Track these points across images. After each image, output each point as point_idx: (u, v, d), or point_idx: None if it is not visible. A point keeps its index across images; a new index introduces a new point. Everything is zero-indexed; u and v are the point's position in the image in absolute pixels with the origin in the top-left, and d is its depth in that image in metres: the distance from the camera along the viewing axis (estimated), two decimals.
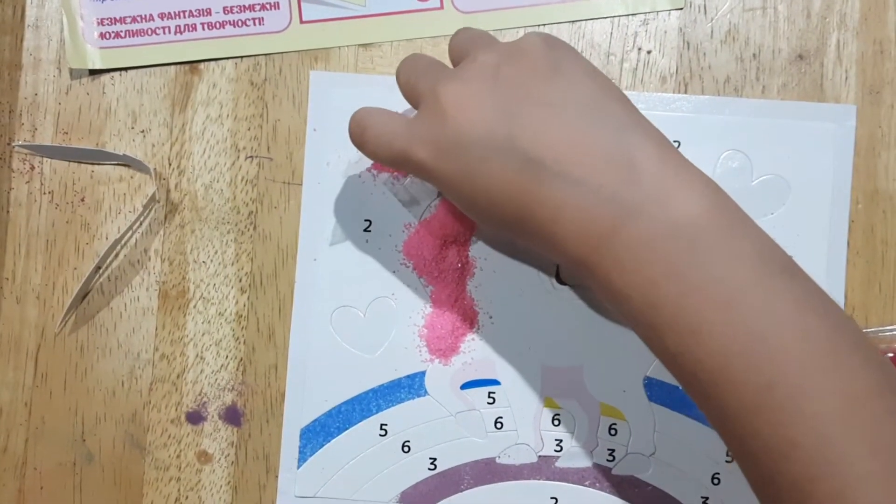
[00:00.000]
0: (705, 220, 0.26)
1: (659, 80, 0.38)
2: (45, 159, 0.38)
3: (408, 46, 0.38)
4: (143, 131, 0.38)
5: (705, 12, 0.38)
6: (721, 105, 0.38)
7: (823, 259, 0.37)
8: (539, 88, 0.29)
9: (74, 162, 0.38)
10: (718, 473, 0.36)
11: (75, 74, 0.38)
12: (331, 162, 0.38)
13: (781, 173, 0.37)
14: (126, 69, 0.38)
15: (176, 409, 0.38)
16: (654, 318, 0.26)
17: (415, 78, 0.32)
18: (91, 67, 0.38)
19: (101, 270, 0.38)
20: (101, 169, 0.38)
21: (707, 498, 0.36)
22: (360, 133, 0.32)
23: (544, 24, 0.38)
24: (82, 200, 0.38)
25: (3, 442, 0.38)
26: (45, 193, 0.38)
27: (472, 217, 0.31)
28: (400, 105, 0.36)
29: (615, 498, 0.37)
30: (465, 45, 0.32)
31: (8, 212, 0.38)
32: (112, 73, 0.38)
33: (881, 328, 0.36)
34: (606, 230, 0.27)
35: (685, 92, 0.38)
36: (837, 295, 0.37)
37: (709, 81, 0.38)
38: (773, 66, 0.38)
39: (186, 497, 0.38)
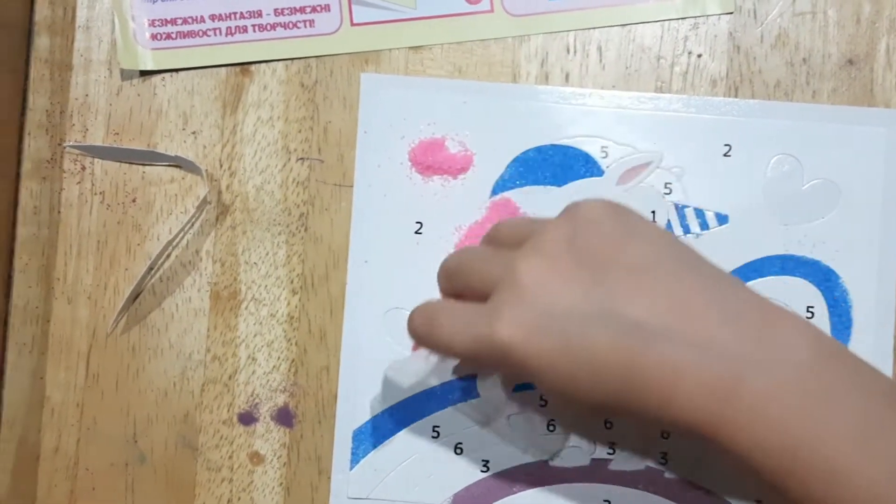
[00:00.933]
0: (823, 362, 0.26)
1: (709, 84, 0.38)
2: (96, 160, 0.39)
3: (457, 49, 0.39)
4: (194, 133, 0.39)
5: (755, 17, 0.38)
6: (772, 109, 0.38)
7: (875, 263, 0.37)
8: (621, 253, 0.28)
9: (125, 163, 0.39)
10: None
11: (126, 75, 0.39)
12: (381, 164, 0.38)
13: (832, 178, 0.38)
14: (177, 70, 0.39)
15: (228, 411, 0.38)
16: (794, 468, 0.26)
17: (480, 265, 0.31)
18: (143, 68, 0.38)
19: (153, 271, 0.38)
20: (153, 170, 0.39)
21: (760, 501, 0.37)
22: (429, 325, 0.31)
23: (595, 28, 0.38)
24: (133, 201, 0.39)
25: (54, 442, 0.38)
26: (96, 194, 0.39)
27: (570, 396, 0.29)
28: (447, 110, 0.37)
29: (668, 501, 0.37)
30: (521, 229, 0.32)
31: (59, 212, 0.39)
32: (163, 75, 0.39)
33: None
34: (729, 387, 0.26)
35: (735, 96, 0.38)
36: (889, 299, 0.37)
37: (759, 86, 0.38)
38: (823, 71, 0.38)
39: (238, 498, 0.38)
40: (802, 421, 0.25)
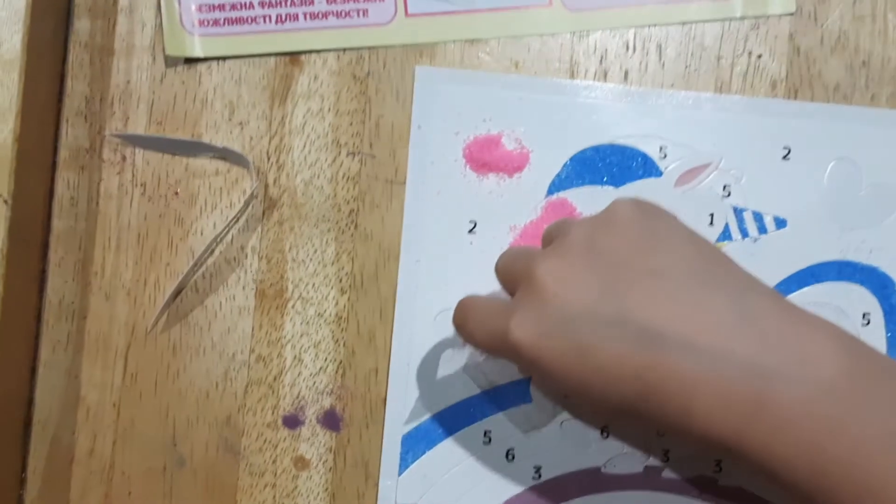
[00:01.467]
0: (852, 372, 0.25)
1: (769, 86, 0.38)
2: (137, 150, 0.37)
3: (515, 44, 0.38)
4: (240, 123, 0.37)
5: (815, 19, 0.38)
6: (831, 112, 0.38)
7: None
8: (641, 257, 0.28)
9: (168, 153, 0.37)
10: None
11: (170, 62, 0.37)
12: (435, 161, 0.37)
13: (890, 182, 0.37)
14: (224, 58, 0.37)
15: (272, 413, 0.37)
16: (823, 482, 0.25)
17: (511, 263, 0.32)
18: (190, 55, 0.37)
19: (196, 267, 0.37)
20: (196, 161, 0.37)
21: None
22: (463, 318, 0.32)
23: (654, 25, 0.38)
24: (176, 194, 0.37)
25: (89, 444, 0.37)
26: (136, 186, 0.37)
27: (582, 401, 0.30)
28: (503, 106, 0.36)
29: None
30: (554, 229, 0.32)
31: (98, 204, 0.37)
32: (209, 62, 0.37)
33: None
34: (752, 399, 0.25)
35: (795, 98, 0.38)
36: None
37: (818, 88, 0.38)
38: (882, 75, 0.38)
39: None
40: (832, 436, 0.25)
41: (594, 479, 0.37)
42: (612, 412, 0.28)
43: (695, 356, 0.25)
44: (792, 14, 0.38)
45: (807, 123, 0.38)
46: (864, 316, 0.37)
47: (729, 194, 0.37)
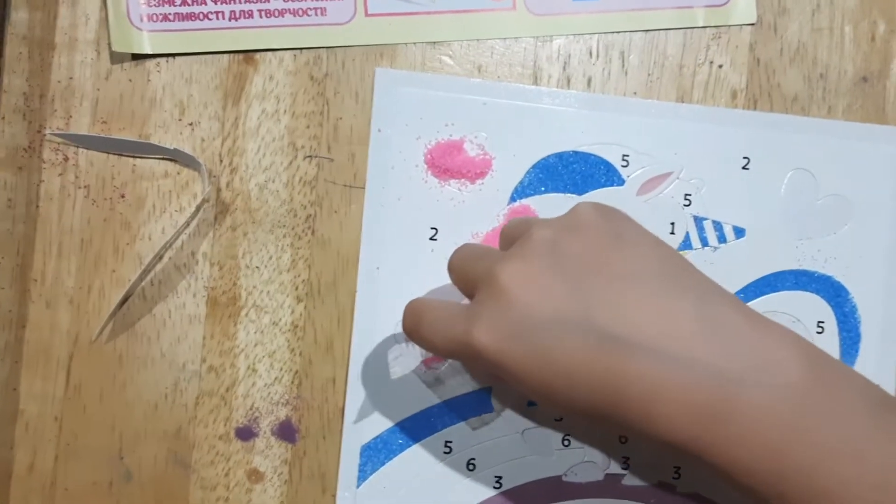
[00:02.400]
0: (813, 378, 0.26)
1: (730, 95, 0.38)
2: (80, 150, 0.36)
3: (478, 47, 0.37)
4: (191, 124, 0.36)
5: (775, 30, 0.38)
6: (790, 123, 0.38)
7: (881, 280, 0.38)
8: (605, 261, 0.28)
9: (114, 154, 0.36)
10: None
11: (116, 58, 0.36)
12: (395, 165, 0.37)
13: (845, 193, 0.38)
14: (174, 55, 0.36)
15: (225, 425, 0.36)
16: (781, 487, 0.25)
17: (469, 264, 0.31)
18: (137, 52, 0.35)
19: (145, 274, 0.35)
20: (145, 163, 0.36)
21: None
22: (416, 322, 0.31)
23: (617, 32, 0.38)
24: (122, 197, 0.36)
25: (28, 459, 0.35)
26: (80, 188, 0.36)
27: (548, 405, 0.29)
28: (466, 111, 0.35)
29: None
30: (515, 230, 0.31)
31: (38, 206, 0.35)
32: (158, 59, 0.36)
33: None
34: (714, 406, 0.25)
35: (754, 108, 0.38)
36: (893, 314, 0.38)
37: (777, 99, 0.38)
38: (838, 88, 0.39)
39: None
40: (791, 443, 0.25)
41: (555, 488, 0.37)
42: (577, 413, 0.28)
43: (658, 361, 0.26)
44: (753, 25, 0.38)
45: (766, 134, 0.38)
46: (818, 324, 0.38)
47: (690, 203, 0.38)
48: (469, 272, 0.31)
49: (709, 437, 0.26)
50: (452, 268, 0.32)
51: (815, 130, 0.38)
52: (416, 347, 0.36)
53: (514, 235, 0.31)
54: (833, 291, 0.38)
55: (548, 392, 0.27)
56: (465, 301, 0.32)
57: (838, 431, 0.25)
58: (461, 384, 0.37)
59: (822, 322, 0.38)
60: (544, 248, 0.28)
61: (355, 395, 0.36)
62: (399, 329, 0.36)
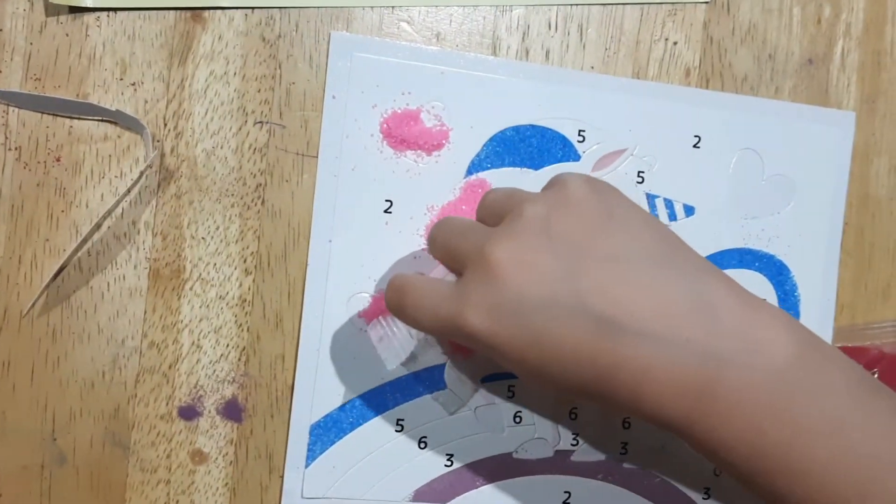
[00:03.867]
0: (799, 360, 0.30)
1: (683, 73, 0.44)
2: (10, 109, 0.37)
3: (436, 13, 0.41)
4: (133, 84, 0.38)
5: (728, 9, 0.44)
6: (739, 103, 0.44)
7: (820, 259, 0.45)
8: (599, 241, 0.31)
9: (48, 114, 0.38)
10: None
11: (52, 10, 0.38)
12: (350, 134, 0.40)
13: (789, 173, 0.44)
14: (116, 10, 0.38)
15: (167, 404, 0.39)
16: (762, 464, 0.30)
17: (456, 240, 0.34)
18: (76, 4, 0.37)
19: (82, 244, 0.38)
20: (82, 125, 0.38)
21: (709, 488, 0.44)
22: (399, 300, 0.34)
23: (576, 4, 0.42)
24: (57, 160, 0.38)
25: None
26: (10, 150, 0.37)
27: (539, 385, 0.32)
28: (424, 80, 0.39)
29: (625, 490, 0.43)
30: (501, 203, 0.34)
31: None
32: (98, 14, 0.38)
33: (867, 325, 0.45)
34: (702, 386, 0.29)
35: (707, 86, 0.44)
36: (830, 293, 0.45)
37: (728, 78, 0.44)
38: (786, 69, 0.45)
39: (177, 501, 0.39)
40: (773, 422, 0.29)
41: (506, 465, 0.42)
42: (569, 394, 0.32)
43: (649, 342, 0.29)
44: (707, 3, 0.44)
45: (716, 113, 0.44)
46: None
47: (643, 181, 0.43)
48: (455, 249, 0.34)
49: (695, 416, 0.30)
50: (435, 243, 0.35)
51: (762, 111, 0.44)
52: (405, 328, 0.39)
53: (499, 209, 0.34)
54: (775, 270, 0.44)
55: (540, 373, 0.31)
56: (430, 273, 0.36)
57: (819, 411, 0.29)
58: (434, 357, 0.41)
59: (765, 300, 0.44)
60: (537, 227, 0.31)
61: (305, 372, 0.40)
62: (352, 306, 0.40)
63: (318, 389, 0.40)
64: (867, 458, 0.29)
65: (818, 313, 0.45)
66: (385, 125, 0.40)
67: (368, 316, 0.40)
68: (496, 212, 0.34)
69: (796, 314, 0.44)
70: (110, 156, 0.38)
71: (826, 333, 0.45)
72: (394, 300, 0.34)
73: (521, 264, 0.30)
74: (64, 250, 0.38)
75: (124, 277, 0.39)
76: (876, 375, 0.44)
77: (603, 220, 0.32)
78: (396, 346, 0.38)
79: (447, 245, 0.34)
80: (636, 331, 0.30)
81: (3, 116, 0.37)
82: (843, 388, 0.30)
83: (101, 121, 0.38)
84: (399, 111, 0.41)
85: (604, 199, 0.33)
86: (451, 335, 0.33)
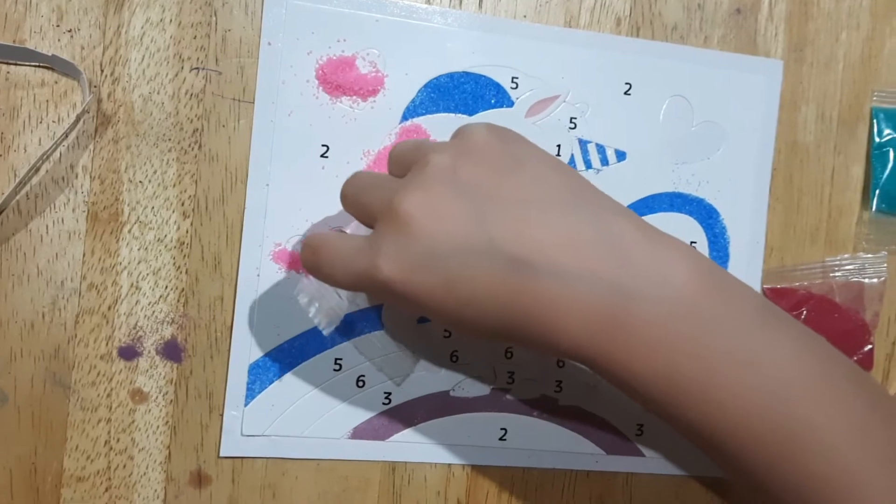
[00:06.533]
0: (702, 290, 0.31)
1: (614, 22, 0.46)
2: None
3: None
4: (70, 31, 0.40)
5: None
6: (669, 52, 0.46)
7: (749, 204, 0.47)
8: (506, 185, 0.32)
9: None
10: None
11: None
12: (286, 80, 0.42)
13: (718, 120, 0.47)
14: None
15: (107, 344, 0.40)
16: (673, 396, 0.31)
17: (365, 194, 0.35)
18: None
19: (19, 187, 0.39)
20: (19, 70, 0.39)
21: (642, 425, 0.46)
22: (314, 256, 0.35)
23: None
24: None
25: None
26: None
27: (457, 329, 0.34)
28: (359, 27, 0.41)
29: (560, 427, 0.45)
30: (408, 155, 0.35)
31: None
32: None
33: (795, 266, 0.47)
34: (612, 320, 0.31)
35: (637, 35, 0.46)
36: (759, 236, 0.47)
37: (658, 27, 0.46)
38: (714, 18, 0.47)
39: (117, 439, 0.41)
40: (685, 354, 0.31)
41: (443, 403, 0.44)
42: (486, 336, 0.33)
43: (560, 281, 0.31)
44: None
45: (646, 61, 0.46)
46: (691, 243, 0.46)
47: (575, 126, 0.45)
48: (366, 203, 0.35)
49: (608, 350, 0.31)
50: (346, 198, 0.36)
51: (691, 59, 0.46)
52: (332, 290, 0.41)
53: (406, 161, 0.35)
54: (705, 213, 0.46)
55: (457, 318, 0.33)
56: (346, 230, 0.38)
57: (726, 341, 0.31)
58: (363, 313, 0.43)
59: (695, 242, 0.46)
60: (444, 176, 0.32)
61: (243, 313, 0.42)
62: (290, 247, 0.42)
63: (257, 330, 0.42)
64: (776, 386, 0.31)
65: (747, 255, 0.47)
66: (321, 71, 0.42)
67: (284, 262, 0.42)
68: (403, 163, 0.35)
69: (726, 256, 0.47)
70: (47, 101, 0.40)
71: (755, 275, 0.47)
72: (309, 259, 0.36)
73: (430, 213, 0.32)
74: (2, 193, 0.39)
75: (63, 220, 0.40)
76: (804, 314, 0.47)
77: (509, 165, 0.33)
78: (327, 308, 0.40)
79: (358, 200, 0.35)
80: (547, 269, 0.31)
81: None
82: (747, 318, 0.32)
83: (38, 66, 0.40)
84: (334, 58, 0.42)
85: (508, 145, 0.34)
86: (368, 289, 0.34)
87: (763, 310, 0.33)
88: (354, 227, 0.38)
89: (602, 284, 0.31)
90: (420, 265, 0.32)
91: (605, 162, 0.45)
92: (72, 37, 0.40)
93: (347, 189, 0.37)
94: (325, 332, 0.42)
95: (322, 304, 0.41)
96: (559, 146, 0.45)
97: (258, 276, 0.42)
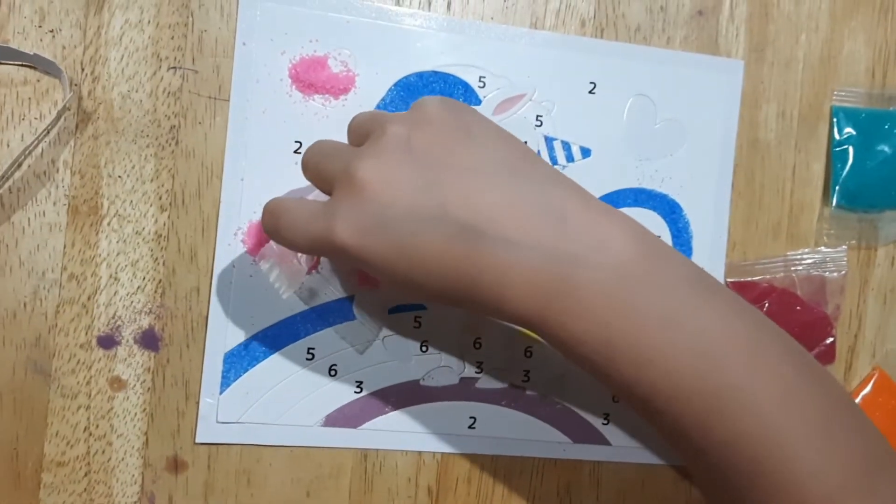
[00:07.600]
0: (640, 257, 0.33)
1: (579, 24, 0.48)
2: None
3: None
4: (52, 31, 0.42)
5: None
6: (632, 52, 0.48)
7: (711, 199, 0.49)
8: (457, 154, 0.34)
9: None
10: None
11: None
12: (260, 79, 0.44)
13: (680, 118, 0.49)
14: None
15: (86, 333, 0.42)
16: (609, 356, 0.33)
17: (324, 162, 0.37)
18: None
19: (2, 181, 0.41)
20: (2, 69, 0.41)
21: (608, 414, 0.48)
22: (274, 222, 0.37)
23: None
24: None
25: None
26: None
27: (409, 293, 0.36)
28: (330, 28, 0.43)
29: (528, 416, 0.47)
30: (365, 126, 0.37)
31: None
32: None
33: (758, 261, 0.49)
34: (554, 285, 0.33)
35: (601, 37, 0.48)
36: (722, 231, 0.49)
37: (622, 29, 0.48)
38: (677, 20, 0.49)
39: (97, 426, 0.42)
40: (619, 315, 0.33)
41: (413, 391, 0.46)
42: (437, 300, 0.35)
43: (507, 247, 0.33)
44: None
45: (610, 61, 0.48)
46: None
47: (541, 124, 0.47)
48: (324, 170, 0.37)
49: (549, 314, 0.33)
50: (306, 165, 0.38)
51: (654, 59, 0.48)
52: (293, 258, 0.43)
53: (363, 130, 0.37)
54: (668, 209, 0.48)
55: (408, 281, 0.34)
56: (307, 198, 0.40)
57: (659, 304, 0.33)
58: (332, 293, 0.44)
59: (660, 237, 0.48)
60: (398, 144, 0.34)
61: (219, 303, 0.43)
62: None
63: (231, 320, 0.44)
64: (704, 346, 0.33)
65: (710, 249, 0.49)
66: (293, 70, 0.44)
67: (250, 243, 0.44)
68: (361, 133, 0.37)
69: (689, 249, 0.49)
70: (30, 98, 0.42)
71: (718, 269, 0.49)
72: (269, 223, 0.38)
73: (385, 180, 0.34)
74: None
75: (44, 213, 0.42)
76: (766, 307, 0.49)
77: (460, 135, 0.35)
78: (287, 273, 0.42)
79: (317, 167, 0.38)
80: (494, 236, 0.33)
81: None
82: (681, 283, 0.34)
83: (21, 65, 0.42)
84: (307, 57, 0.44)
85: (460, 116, 0.36)
86: (325, 252, 0.36)
87: (697, 278, 0.35)
88: (315, 196, 0.40)
89: (543, 251, 0.33)
90: (373, 229, 0.33)
91: (570, 159, 0.47)
92: (53, 37, 0.42)
93: (307, 157, 0.39)
94: (283, 296, 0.44)
95: (282, 270, 0.43)
96: (526, 143, 0.47)
97: (233, 267, 0.44)
